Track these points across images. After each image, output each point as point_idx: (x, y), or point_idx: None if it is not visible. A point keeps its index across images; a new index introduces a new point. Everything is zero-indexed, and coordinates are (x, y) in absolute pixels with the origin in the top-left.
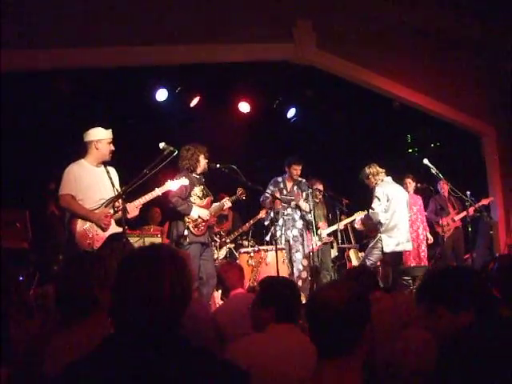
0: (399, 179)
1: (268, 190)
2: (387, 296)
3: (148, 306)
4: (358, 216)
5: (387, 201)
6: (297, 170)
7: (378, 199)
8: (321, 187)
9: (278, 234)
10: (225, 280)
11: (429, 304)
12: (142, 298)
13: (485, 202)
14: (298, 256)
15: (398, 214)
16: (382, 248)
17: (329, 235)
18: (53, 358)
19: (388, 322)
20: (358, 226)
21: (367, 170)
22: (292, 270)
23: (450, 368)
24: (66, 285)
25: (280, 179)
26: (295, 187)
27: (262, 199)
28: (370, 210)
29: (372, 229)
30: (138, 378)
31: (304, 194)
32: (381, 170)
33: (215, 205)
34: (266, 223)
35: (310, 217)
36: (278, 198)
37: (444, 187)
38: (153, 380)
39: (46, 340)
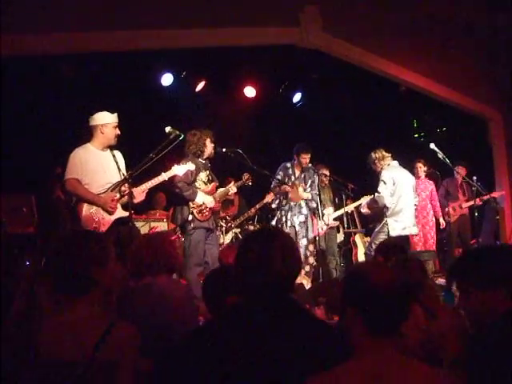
0: (406, 164)
1: (278, 176)
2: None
3: (264, 273)
4: (365, 200)
5: (393, 185)
6: (305, 158)
7: (384, 183)
8: (327, 172)
9: (284, 219)
10: (227, 265)
11: (459, 283)
12: (257, 267)
13: (495, 194)
14: (303, 242)
15: (403, 198)
16: (389, 232)
17: (335, 220)
18: (46, 338)
19: None
20: (363, 210)
21: (373, 155)
22: None
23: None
24: (61, 262)
25: (289, 165)
26: (303, 174)
27: (273, 185)
28: (376, 194)
29: (378, 213)
30: (257, 334)
31: (309, 181)
32: (387, 154)
33: (220, 190)
34: (274, 206)
35: (313, 204)
36: (284, 183)
37: (460, 173)
38: (268, 337)
39: (39, 319)
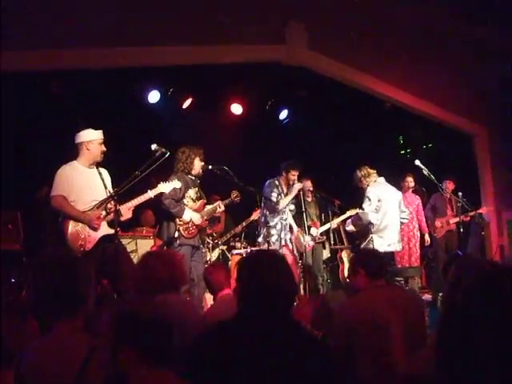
0: (392, 180)
1: (273, 197)
2: (387, 286)
3: (271, 296)
4: (350, 213)
5: (378, 201)
6: (295, 175)
7: (369, 199)
8: (310, 186)
9: (275, 238)
10: (210, 282)
11: None
12: (266, 290)
13: (482, 211)
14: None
15: (389, 215)
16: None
17: (321, 235)
18: (30, 361)
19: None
20: (348, 227)
21: (358, 173)
22: None
23: None
24: (47, 284)
25: (277, 182)
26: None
27: (276, 201)
28: (360, 210)
29: (363, 229)
30: (258, 354)
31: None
32: (372, 171)
33: (208, 208)
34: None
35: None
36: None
37: (448, 187)
38: (270, 355)
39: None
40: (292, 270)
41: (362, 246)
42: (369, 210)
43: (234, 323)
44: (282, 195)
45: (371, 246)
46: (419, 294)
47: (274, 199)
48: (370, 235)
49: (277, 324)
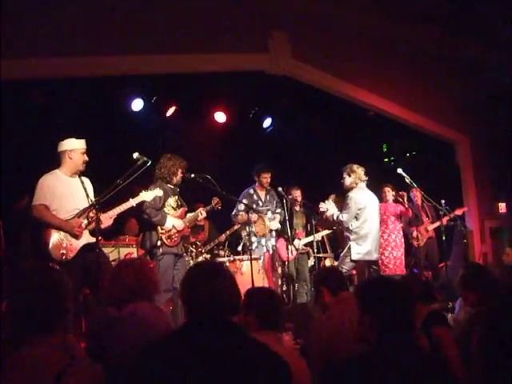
0: (375, 188)
1: (241, 206)
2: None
3: (214, 305)
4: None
5: (358, 209)
6: (266, 177)
7: (349, 206)
8: (299, 196)
9: (255, 245)
10: None
11: None
12: (212, 296)
13: (459, 212)
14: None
15: (369, 223)
16: (350, 256)
17: (305, 245)
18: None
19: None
20: (325, 211)
21: (355, 170)
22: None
23: None
24: (36, 297)
25: (251, 191)
26: (268, 196)
27: (234, 213)
28: (341, 216)
29: (340, 236)
30: (207, 357)
31: (275, 201)
32: (364, 177)
33: (190, 215)
34: (244, 234)
35: (274, 226)
36: (252, 208)
37: (417, 195)
38: (218, 358)
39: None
40: (235, 279)
41: (342, 253)
42: (346, 218)
43: (178, 334)
44: (260, 202)
45: (349, 253)
46: None
47: (234, 211)
48: (349, 242)
49: (222, 332)
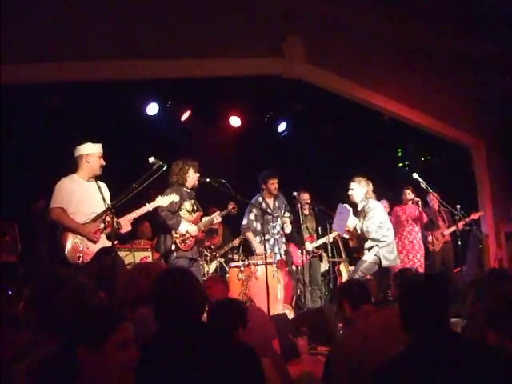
0: (391, 193)
1: (251, 215)
2: (376, 310)
3: (187, 306)
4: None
5: (382, 219)
6: (274, 184)
7: (372, 216)
8: (308, 199)
9: (268, 252)
10: (209, 296)
11: None
12: (183, 300)
13: (474, 216)
14: (292, 268)
15: (391, 231)
16: (380, 262)
17: (317, 248)
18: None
19: (378, 337)
20: (344, 234)
21: (363, 181)
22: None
23: None
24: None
25: (260, 199)
26: (276, 202)
27: (246, 224)
28: (365, 227)
29: (360, 240)
30: (185, 355)
31: (283, 206)
32: (372, 193)
33: (205, 219)
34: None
35: (288, 229)
36: (266, 213)
37: (434, 200)
38: (193, 356)
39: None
40: (199, 282)
41: (363, 257)
42: (372, 228)
43: (156, 338)
44: (269, 210)
45: (374, 258)
46: None
47: (245, 221)
48: (376, 249)
49: (194, 332)
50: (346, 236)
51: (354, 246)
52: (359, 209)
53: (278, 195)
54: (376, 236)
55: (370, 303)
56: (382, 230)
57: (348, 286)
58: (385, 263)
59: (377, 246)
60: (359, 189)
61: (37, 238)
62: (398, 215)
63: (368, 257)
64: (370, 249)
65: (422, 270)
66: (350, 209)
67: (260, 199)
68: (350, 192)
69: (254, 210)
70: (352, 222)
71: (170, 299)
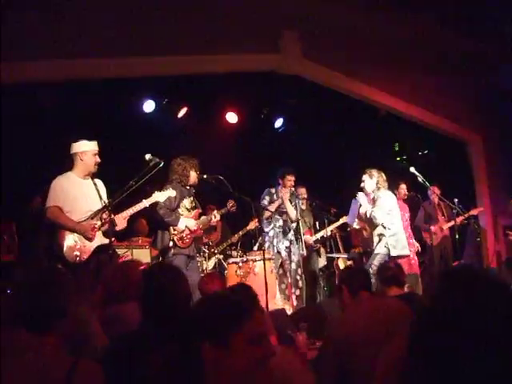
0: (389, 187)
1: (265, 201)
2: (370, 298)
3: (168, 303)
4: (343, 220)
5: (390, 207)
6: (291, 180)
7: (380, 205)
8: (305, 194)
9: (267, 245)
10: (205, 293)
11: None
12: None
13: (474, 212)
14: (293, 266)
15: (398, 220)
16: (389, 252)
17: (316, 242)
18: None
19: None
20: (355, 225)
21: (375, 174)
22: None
23: None
24: (31, 297)
25: (273, 190)
26: (291, 198)
27: (266, 204)
28: (373, 213)
29: (370, 229)
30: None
31: (293, 203)
32: (384, 183)
33: (203, 218)
34: (267, 230)
35: (294, 225)
36: (269, 210)
37: (435, 192)
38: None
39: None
40: (185, 277)
41: (375, 250)
42: (380, 215)
43: (137, 332)
44: (277, 203)
45: (385, 249)
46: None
47: (265, 202)
48: (385, 239)
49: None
50: (357, 226)
51: (368, 236)
52: (371, 198)
53: (292, 193)
54: (385, 222)
55: (369, 291)
56: (390, 216)
57: (349, 272)
58: (393, 252)
59: (385, 235)
60: (369, 180)
61: (35, 238)
62: None
63: (380, 249)
64: (379, 235)
65: (417, 269)
66: (359, 198)
67: (273, 190)
68: (362, 184)
69: (266, 196)
70: (364, 208)
71: (152, 296)
